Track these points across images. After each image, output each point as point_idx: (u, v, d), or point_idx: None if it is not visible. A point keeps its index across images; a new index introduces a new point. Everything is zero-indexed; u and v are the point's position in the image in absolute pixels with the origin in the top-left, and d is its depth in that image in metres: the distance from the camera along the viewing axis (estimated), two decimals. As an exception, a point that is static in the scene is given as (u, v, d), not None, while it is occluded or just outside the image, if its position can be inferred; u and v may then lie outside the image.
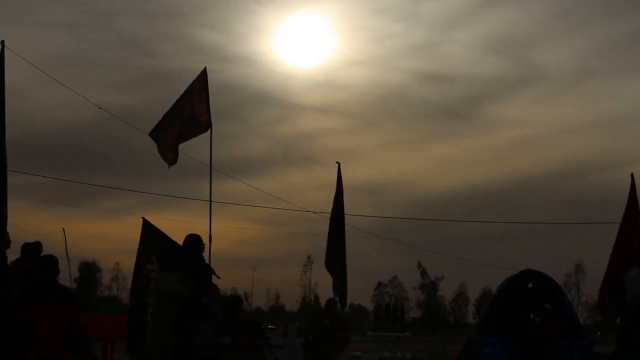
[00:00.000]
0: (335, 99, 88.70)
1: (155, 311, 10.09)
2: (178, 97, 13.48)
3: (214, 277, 10.35)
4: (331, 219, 14.63)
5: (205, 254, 11.64)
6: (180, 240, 10.58)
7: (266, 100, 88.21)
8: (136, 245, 13.10)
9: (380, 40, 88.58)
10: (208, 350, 8.96)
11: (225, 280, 10.83)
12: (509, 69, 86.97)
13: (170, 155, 13.26)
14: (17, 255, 10.49)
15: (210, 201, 12.92)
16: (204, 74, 13.40)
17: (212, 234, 12.33)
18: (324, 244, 14.77)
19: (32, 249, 10.40)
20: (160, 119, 13.34)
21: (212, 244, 12.19)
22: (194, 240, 10.26)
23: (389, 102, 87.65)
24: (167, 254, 11.58)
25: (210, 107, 13.21)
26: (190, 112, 13.20)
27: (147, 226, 13.04)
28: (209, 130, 13.10)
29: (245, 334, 10.82)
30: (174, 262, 10.44)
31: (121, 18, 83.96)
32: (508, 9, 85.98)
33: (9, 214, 10.91)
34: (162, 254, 11.86)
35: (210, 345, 9.04)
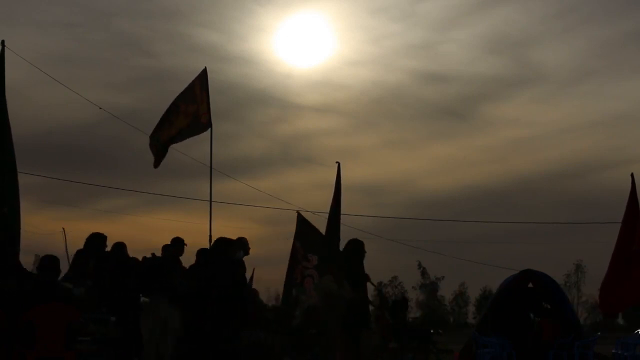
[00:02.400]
0: (334, 99, 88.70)
1: (322, 313, 9.99)
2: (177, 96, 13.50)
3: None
4: (329, 219, 14.46)
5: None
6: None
7: (265, 100, 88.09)
8: (136, 246, 13.07)
9: (378, 40, 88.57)
10: (375, 354, 8.95)
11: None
12: (507, 69, 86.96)
13: (157, 152, 13.24)
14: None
15: (210, 201, 12.94)
16: (204, 74, 13.40)
17: (212, 233, 12.35)
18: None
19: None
20: (159, 119, 13.35)
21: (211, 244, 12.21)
22: (356, 245, 10.09)
23: (387, 102, 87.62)
24: (324, 254, 11.49)
25: (210, 107, 13.22)
26: (192, 112, 13.21)
27: (302, 222, 12.86)
28: (209, 130, 13.11)
29: (414, 338, 10.69)
30: (333, 266, 10.34)
31: (120, 18, 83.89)
32: (507, 8, 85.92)
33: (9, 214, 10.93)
34: (320, 254, 11.72)
35: (377, 349, 9.03)
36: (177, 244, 11.13)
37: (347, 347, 9.23)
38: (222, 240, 9.56)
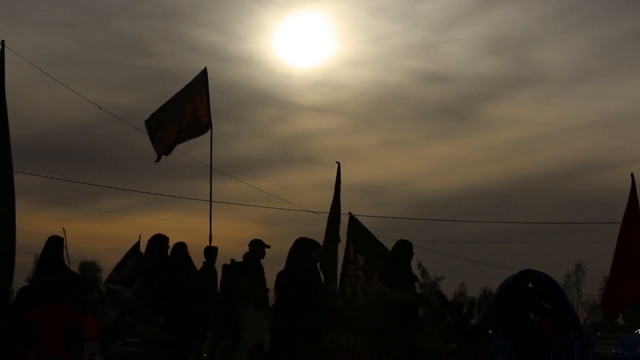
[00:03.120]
0: (334, 99, 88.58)
1: (374, 316, 9.97)
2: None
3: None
4: (329, 220, 14.38)
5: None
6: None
7: (265, 100, 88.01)
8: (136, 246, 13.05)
9: (378, 40, 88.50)
10: (434, 355, 8.93)
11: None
12: (507, 69, 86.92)
13: (160, 148, 13.23)
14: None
15: (211, 201, 12.95)
16: (204, 74, 13.41)
17: (212, 234, 12.36)
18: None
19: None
20: (162, 116, 13.32)
21: (212, 244, 12.21)
22: (405, 247, 10.07)
23: (387, 102, 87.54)
24: (371, 255, 11.48)
25: (210, 107, 13.22)
26: (192, 113, 13.21)
27: (353, 222, 12.82)
28: (209, 130, 13.12)
29: (475, 340, 10.64)
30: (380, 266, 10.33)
31: (120, 18, 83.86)
32: (506, 8, 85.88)
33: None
34: (367, 255, 11.71)
35: (437, 350, 9.01)
36: (258, 247, 11.20)
37: (399, 350, 9.19)
38: (302, 240, 9.52)
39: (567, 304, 12.88)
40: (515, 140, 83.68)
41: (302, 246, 9.04)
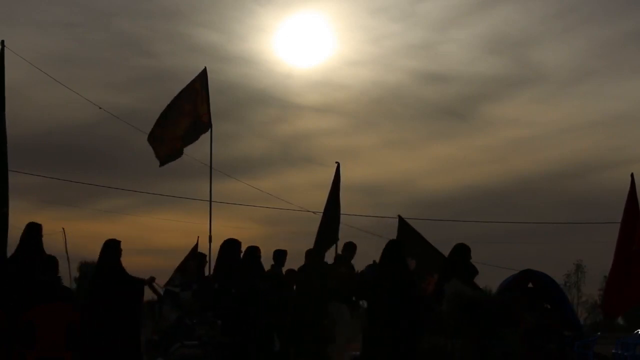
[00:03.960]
0: (334, 99, 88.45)
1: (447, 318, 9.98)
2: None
3: None
4: (323, 219, 14.20)
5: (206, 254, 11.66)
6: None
7: (265, 100, 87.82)
8: (136, 245, 13.06)
9: (378, 40, 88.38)
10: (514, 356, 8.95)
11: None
12: (507, 69, 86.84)
13: (163, 151, 13.23)
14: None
15: (210, 201, 12.95)
16: (204, 74, 13.41)
17: (211, 234, 12.36)
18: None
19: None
20: (159, 117, 13.33)
21: (212, 244, 12.21)
22: (462, 249, 9.99)
23: (387, 102, 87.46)
24: (423, 258, 11.46)
25: (210, 107, 13.23)
26: (193, 113, 13.21)
27: (403, 225, 12.78)
28: (209, 130, 13.12)
29: (552, 342, 10.59)
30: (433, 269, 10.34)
31: (120, 18, 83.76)
32: (506, 8, 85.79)
33: (9, 214, 10.93)
34: (419, 258, 11.69)
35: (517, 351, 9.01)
36: (351, 249, 11.49)
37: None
38: (394, 243, 9.46)
39: (567, 304, 12.87)
40: (515, 140, 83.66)
41: (459, 251, 9.34)
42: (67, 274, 15.53)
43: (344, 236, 14.34)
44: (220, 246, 10.31)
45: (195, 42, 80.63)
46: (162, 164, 13.32)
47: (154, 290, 9.68)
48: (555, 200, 75.64)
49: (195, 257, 11.14)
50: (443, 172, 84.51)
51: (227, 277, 9.88)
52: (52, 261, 8.27)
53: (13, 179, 10.91)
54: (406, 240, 12.08)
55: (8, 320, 7.74)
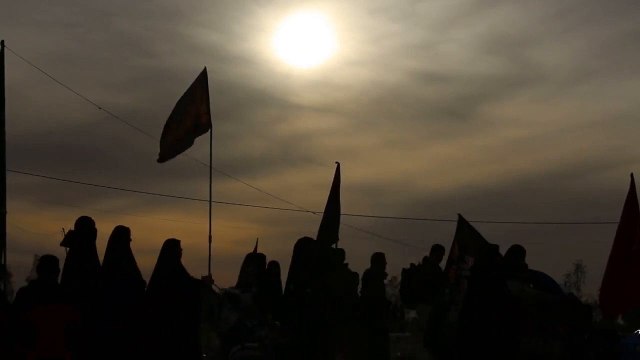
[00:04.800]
0: (333, 99, 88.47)
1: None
2: (177, 96, 13.53)
3: None
4: (324, 219, 14.23)
5: (206, 254, 11.66)
6: None
7: (265, 100, 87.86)
8: (136, 245, 13.06)
9: (378, 40, 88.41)
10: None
11: (225, 281, 10.78)
12: (507, 69, 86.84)
13: (166, 150, 13.26)
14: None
15: (210, 201, 12.96)
16: (204, 74, 13.44)
17: (211, 234, 12.37)
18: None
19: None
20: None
21: (211, 244, 12.23)
22: (518, 249, 10.03)
23: (387, 102, 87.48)
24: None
25: (210, 107, 13.25)
26: (194, 113, 13.25)
27: (462, 223, 12.81)
28: (209, 130, 13.14)
29: (603, 344, 10.57)
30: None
31: (120, 18, 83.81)
32: (506, 8, 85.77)
33: (9, 214, 10.95)
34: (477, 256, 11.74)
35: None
36: (439, 251, 11.79)
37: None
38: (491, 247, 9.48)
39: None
40: (515, 140, 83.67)
41: (516, 252, 9.39)
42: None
43: (344, 236, 14.38)
44: (295, 245, 10.29)
45: (195, 42, 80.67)
46: (161, 160, 13.32)
47: (213, 292, 9.70)
48: (555, 200, 75.63)
49: (253, 259, 11.17)
50: (443, 172, 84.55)
51: (302, 278, 9.90)
52: (52, 261, 8.26)
53: (13, 179, 10.96)
54: (464, 238, 12.13)
55: (8, 320, 7.73)
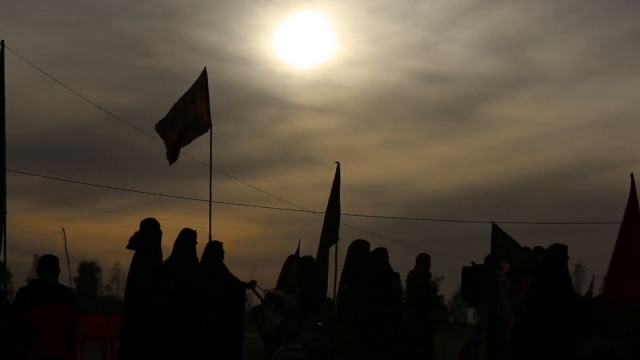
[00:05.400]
0: (333, 99, 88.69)
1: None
2: (177, 96, 13.51)
3: None
4: (326, 220, 14.27)
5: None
6: None
7: (265, 100, 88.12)
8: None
9: (378, 40, 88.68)
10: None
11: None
12: (507, 69, 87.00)
13: (170, 151, 13.27)
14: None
15: (210, 201, 12.94)
16: (204, 74, 13.43)
17: (211, 234, 12.35)
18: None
19: None
20: (162, 117, 13.35)
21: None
22: (559, 249, 9.98)
23: (387, 102, 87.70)
24: (517, 261, 11.55)
25: (210, 107, 13.24)
26: (194, 113, 13.24)
27: (497, 231, 12.88)
28: (209, 130, 13.13)
29: None
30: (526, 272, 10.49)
31: (120, 18, 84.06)
32: (506, 8, 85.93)
33: (9, 214, 10.93)
34: (513, 261, 11.78)
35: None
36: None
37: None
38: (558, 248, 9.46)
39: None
40: (515, 140, 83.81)
41: (556, 253, 9.19)
42: (67, 274, 15.54)
43: (343, 236, 14.37)
44: (349, 247, 10.27)
45: (195, 42, 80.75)
46: (172, 159, 13.30)
47: (257, 294, 9.72)
48: (555, 200, 75.70)
49: (295, 260, 11.18)
50: (443, 172, 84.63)
51: (355, 280, 9.91)
52: (52, 261, 8.26)
53: (13, 179, 10.94)
54: (499, 244, 12.16)
55: (8, 320, 7.73)
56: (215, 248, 9.20)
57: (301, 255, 12.08)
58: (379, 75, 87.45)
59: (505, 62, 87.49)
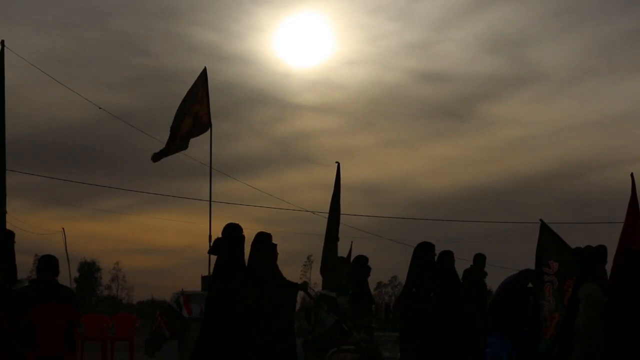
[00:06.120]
0: (332, 99, 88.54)
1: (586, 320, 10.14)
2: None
3: None
4: (329, 221, 14.38)
5: (206, 254, 11.65)
6: None
7: (263, 100, 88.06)
8: (136, 246, 13.11)
9: (376, 39, 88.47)
10: None
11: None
12: (505, 68, 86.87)
13: (165, 150, 13.26)
14: None
15: (210, 201, 12.97)
16: (204, 74, 13.45)
17: (211, 233, 12.37)
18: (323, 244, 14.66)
19: None
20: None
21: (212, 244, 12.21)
22: (601, 250, 10.01)
23: (385, 102, 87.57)
24: (566, 260, 11.59)
25: (210, 107, 13.26)
26: (194, 112, 13.26)
27: (545, 229, 12.92)
28: (209, 130, 13.15)
29: None
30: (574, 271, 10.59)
31: (117, 17, 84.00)
32: (504, 7, 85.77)
33: (9, 214, 10.95)
34: (562, 260, 11.80)
35: None
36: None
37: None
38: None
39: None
40: (514, 140, 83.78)
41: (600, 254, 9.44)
42: (67, 274, 15.57)
43: (343, 236, 14.43)
44: (414, 249, 10.28)
45: (193, 42, 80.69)
46: (155, 159, 13.27)
47: (309, 295, 9.74)
48: (555, 200, 75.69)
49: (347, 262, 11.20)
50: (442, 171, 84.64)
51: (424, 281, 9.92)
52: (52, 261, 8.25)
53: (13, 178, 10.97)
54: (548, 243, 12.17)
55: (8, 320, 7.73)
56: (260, 244, 9.17)
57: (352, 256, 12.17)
58: (377, 75, 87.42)
59: (504, 61, 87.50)
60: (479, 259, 12.42)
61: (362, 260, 11.44)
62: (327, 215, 14.67)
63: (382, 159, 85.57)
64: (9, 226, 10.92)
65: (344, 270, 10.97)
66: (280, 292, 8.79)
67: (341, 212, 14.59)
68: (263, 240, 8.91)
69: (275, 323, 8.59)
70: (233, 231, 8.59)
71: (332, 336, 9.54)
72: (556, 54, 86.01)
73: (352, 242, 12.35)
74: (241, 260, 8.57)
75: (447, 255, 10.50)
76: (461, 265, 11.92)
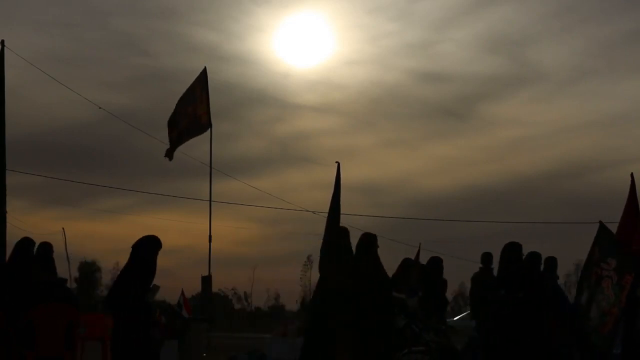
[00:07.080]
0: (332, 99, 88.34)
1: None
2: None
3: None
4: (328, 220, 14.37)
5: (206, 254, 11.66)
6: None
7: (263, 100, 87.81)
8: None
9: (376, 40, 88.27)
10: None
11: (224, 280, 10.78)
12: (505, 68, 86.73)
13: (173, 146, 13.31)
14: None
15: (210, 201, 12.97)
16: (203, 74, 13.44)
17: (211, 233, 12.39)
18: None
19: None
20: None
21: (211, 244, 12.24)
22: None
23: (385, 102, 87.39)
24: (621, 257, 11.59)
25: (210, 106, 13.26)
26: (193, 113, 13.26)
27: (602, 229, 12.93)
28: (209, 130, 13.15)
29: None
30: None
31: (117, 17, 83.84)
32: (504, 7, 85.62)
33: (9, 214, 10.96)
34: (618, 257, 11.81)
35: None
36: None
37: None
38: None
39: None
40: (514, 140, 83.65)
41: None
42: (67, 274, 15.55)
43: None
44: (502, 249, 10.30)
45: (193, 42, 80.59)
46: (169, 156, 13.31)
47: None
48: (555, 200, 75.68)
49: (416, 264, 11.23)
50: (441, 171, 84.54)
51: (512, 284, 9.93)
52: (51, 261, 8.27)
53: (13, 178, 10.97)
54: (605, 241, 12.20)
55: (8, 320, 7.73)
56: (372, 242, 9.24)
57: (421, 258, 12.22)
58: (377, 75, 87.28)
59: (504, 61, 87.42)
60: (551, 262, 12.27)
61: (436, 261, 11.46)
62: (327, 215, 14.66)
63: (382, 159, 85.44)
64: (9, 226, 10.93)
65: (413, 272, 10.99)
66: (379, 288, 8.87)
67: (341, 212, 14.58)
68: (369, 240, 9.27)
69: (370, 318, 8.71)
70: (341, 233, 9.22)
71: (402, 337, 9.55)
72: (556, 54, 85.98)
73: (420, 243, 12.29)
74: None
75: (535, 258, 10.51)
76: (465, 265, 11.91)
